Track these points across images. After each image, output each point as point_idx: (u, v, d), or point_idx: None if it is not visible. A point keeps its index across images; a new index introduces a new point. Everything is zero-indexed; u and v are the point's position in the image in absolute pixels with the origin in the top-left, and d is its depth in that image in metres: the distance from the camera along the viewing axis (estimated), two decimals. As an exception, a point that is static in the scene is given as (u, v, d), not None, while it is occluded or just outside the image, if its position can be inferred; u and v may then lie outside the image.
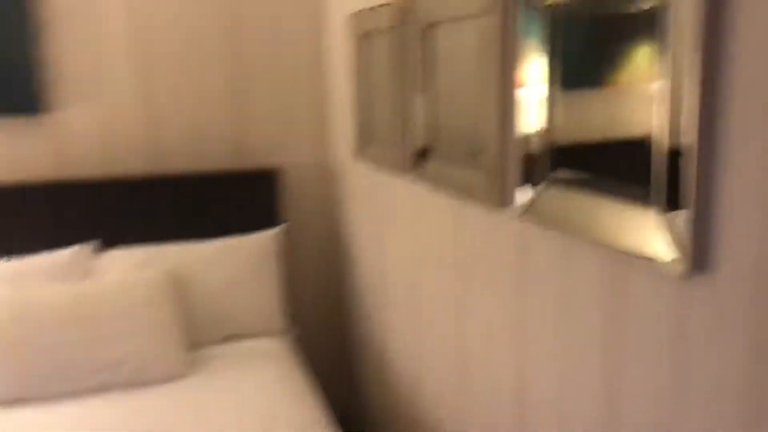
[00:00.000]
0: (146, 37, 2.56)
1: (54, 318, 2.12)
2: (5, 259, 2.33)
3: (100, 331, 2.13)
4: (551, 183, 1.29)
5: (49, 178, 2.50)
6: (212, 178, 2.65)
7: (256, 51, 2.69)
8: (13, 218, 2.43)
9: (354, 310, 2.77)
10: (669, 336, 1.05)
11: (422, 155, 1.85)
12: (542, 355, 1.41)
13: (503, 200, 1.47)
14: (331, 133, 2.81)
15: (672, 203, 0.98)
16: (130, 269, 2.36)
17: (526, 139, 1.35)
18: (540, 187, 1.32)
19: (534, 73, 1.31)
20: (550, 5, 1.25)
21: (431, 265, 1.95)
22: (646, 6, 1.00)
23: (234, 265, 2.49)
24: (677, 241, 0.97)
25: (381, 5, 2.06)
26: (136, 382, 2.13)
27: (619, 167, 1.12)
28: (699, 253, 0.96)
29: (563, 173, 1.26)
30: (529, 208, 1.35)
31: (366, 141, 2.32)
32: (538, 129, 1.31)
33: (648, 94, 1.01)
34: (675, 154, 0.96)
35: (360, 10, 2.26)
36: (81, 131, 2.55)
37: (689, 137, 0.94)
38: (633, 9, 1.04)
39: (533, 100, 1.32)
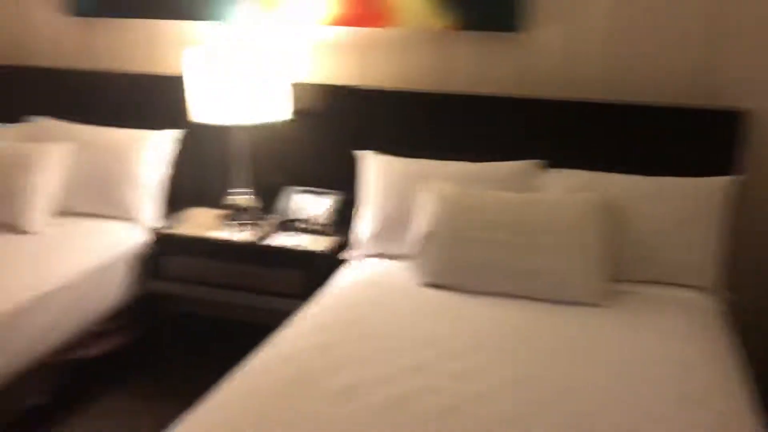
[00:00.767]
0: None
1: (494, 218, 2.26)
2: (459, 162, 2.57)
3: (532, 239, 2.22)
4: None
5: (511, 94, 2.65)
6: (668, 112, 2.48)
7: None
8: (473, 126, 2.66)
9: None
10: None
11: None
12: None
13: None
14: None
15: None
16: (569, 190, 2.39)
17: None
18: None
19: None
20: None
21: None
22: None
23: (675, 207, 2.33)
24: None
25: None
26: (554, 298, 2.18)
27: None
28: None
29: None
30: None
31: None
32: None
33: None
34: None
35: None
36: (547, 52, 2.62)
37: None
38: None
39: None
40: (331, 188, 2.82)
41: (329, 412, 1.59)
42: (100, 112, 3.03)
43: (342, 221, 2.78)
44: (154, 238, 2.77)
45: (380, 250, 2.55)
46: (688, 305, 2.20)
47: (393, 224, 2.52)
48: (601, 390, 1.70)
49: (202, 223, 2.85)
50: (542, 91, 2.63)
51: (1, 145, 2.85)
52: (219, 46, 2.88)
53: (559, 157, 2.51)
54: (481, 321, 2.07)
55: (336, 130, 2.83)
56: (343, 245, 2.70)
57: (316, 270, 2.57)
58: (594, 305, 2.16)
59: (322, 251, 2.61)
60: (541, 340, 1.96)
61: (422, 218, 2.35)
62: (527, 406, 1.63)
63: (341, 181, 2.79)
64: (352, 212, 2.70)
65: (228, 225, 2.78)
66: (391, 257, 2.52)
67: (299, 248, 2.62)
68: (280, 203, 2.84)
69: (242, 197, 2.80)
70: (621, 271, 2.30)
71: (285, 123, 2.76)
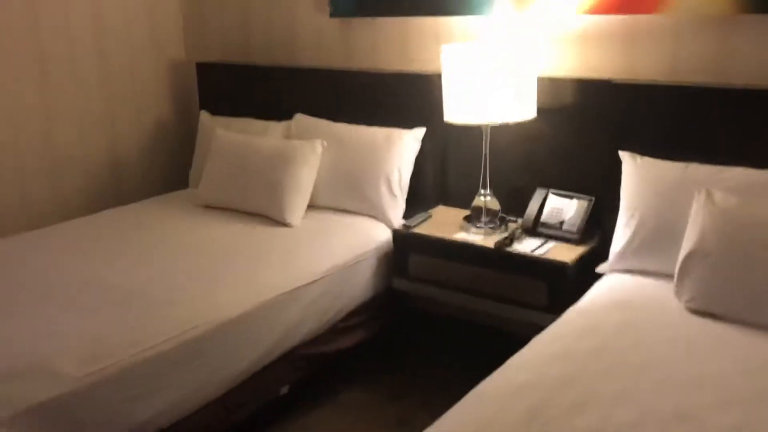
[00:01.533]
0: None
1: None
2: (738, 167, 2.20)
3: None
4: None
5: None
6: None
7: None
8: (757, 125, 2.26)
9: None
10: None
11: None
12: None
13: None
14: None
15: None
16: None
17: None
18: None
19: None
20: None
21: None
22: None
23: None
24: None
25: None
26: None
27: None
28: None
29: None
30: None
31: None
32: None
33: None
34: None
35: None
36: None
37: None
38: None
39: None
40: (583, 191, 2.59)
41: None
42: (353, 110, 3.11)
43: (594, 229, 2.54)
44: (399, 236, 2.77)
45: (639, 266, 2.28)
46: None
47: (656, 237, 2.23)
48: None
49: (446, 223, 2.79)
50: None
51: (270, 141, 3.06)
52: (478, 41, 2.79)
53: None
54: (764, 361, 1.74)
55: (589, 128, 2.59)
56: (595, 256, 2.46)
57: (564, 282, 2.37)
58: None
59: (572, 262, 2.40)
60: None
61: (693, 232, 2.04)
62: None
63: (594, 184, 2.56)
64: (607, 220, 2.45)
65: (471, 227, 2.69)
66: (651, 275, 2.23)
67: (547, 257, 2.44)
68: (527, 206, 2.67)
69: (486, 198, 2.68)
70: None
71: (532, 120, 2.59)
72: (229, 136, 3.13)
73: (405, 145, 2.89)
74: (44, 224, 2.99)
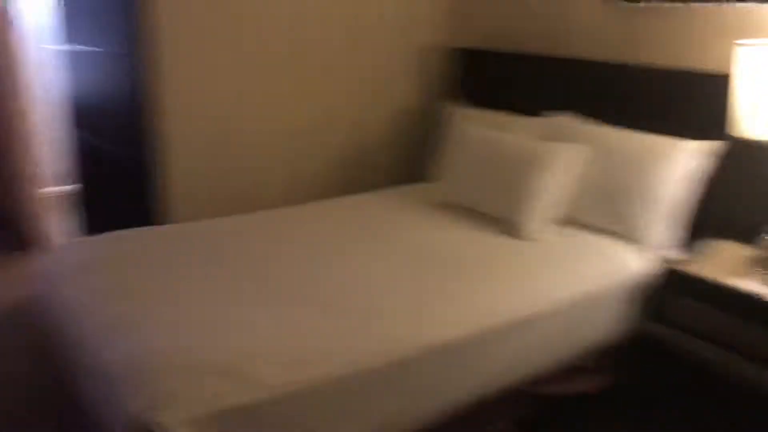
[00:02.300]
0: None
1: None
2: None
3: None
4: None
5: None
6: None
7: None
8: None
9: None
10: None
11: None
12: None
13: None
14: None
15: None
16: None
17: None
18: None
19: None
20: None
21: None
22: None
23: None
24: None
25: None
26: None
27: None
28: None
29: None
30: None
31: None
32: None
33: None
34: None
35: None
36: None
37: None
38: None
39: None
40: None
41: None
42: (626, 112, 2.64)
43: None
44: (663, 271, 2.27)
45: None
46: None
47: None
48: None
49: (726, 262, 2.23)
50: None
51: (516, 139, 2.70)
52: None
53: None
54: None
55: None
56: None
57: None
58: None
59: None
60: None
61: None
62: None
63: None
64: None
65: (760, 273, 2.10)
66: None
67: None
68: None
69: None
70: None
71: None
72: (479, 132, 2.83)
73: (683, 160, 2.37)
74: (276, 205, 2.94)
